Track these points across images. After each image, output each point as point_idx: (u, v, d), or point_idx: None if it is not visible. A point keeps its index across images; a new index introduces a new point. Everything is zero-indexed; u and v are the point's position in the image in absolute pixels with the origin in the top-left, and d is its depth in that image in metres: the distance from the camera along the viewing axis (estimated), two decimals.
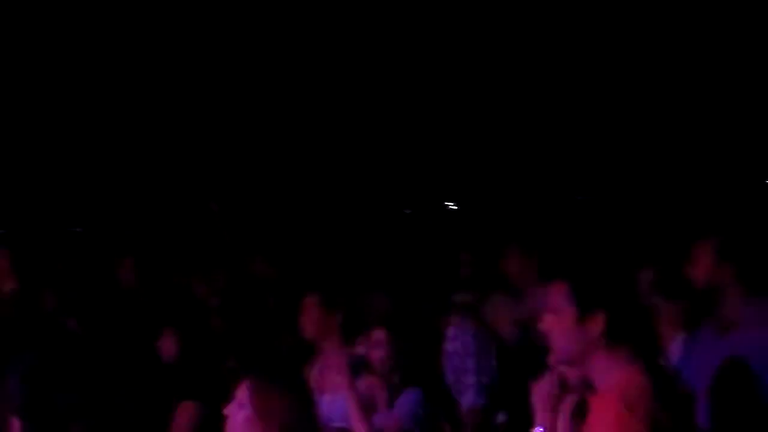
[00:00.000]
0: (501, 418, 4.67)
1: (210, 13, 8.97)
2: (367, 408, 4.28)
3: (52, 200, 11.97)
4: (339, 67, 10.11)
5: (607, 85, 9.58)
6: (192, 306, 6.34)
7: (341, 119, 11.52)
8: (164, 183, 12.34)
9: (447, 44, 9.36)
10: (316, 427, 3.12)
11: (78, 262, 7.60)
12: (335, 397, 4.28)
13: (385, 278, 5.63)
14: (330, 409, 4.18)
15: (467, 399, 4.58)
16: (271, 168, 12.65)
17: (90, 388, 5.00)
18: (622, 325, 2.66)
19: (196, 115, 11.40)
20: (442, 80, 10.11)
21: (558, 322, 2.71)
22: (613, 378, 2.62)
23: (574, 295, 2.69)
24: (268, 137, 12.08)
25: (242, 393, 3.05)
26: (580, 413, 2.81)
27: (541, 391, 2.98)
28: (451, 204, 13.69)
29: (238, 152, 12.07)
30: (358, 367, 4.22)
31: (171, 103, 11.15)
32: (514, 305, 5.24)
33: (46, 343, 5.35)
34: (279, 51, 9.84)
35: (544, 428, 2.95)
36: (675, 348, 4.11)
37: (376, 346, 4.22)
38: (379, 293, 5.39)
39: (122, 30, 9.07)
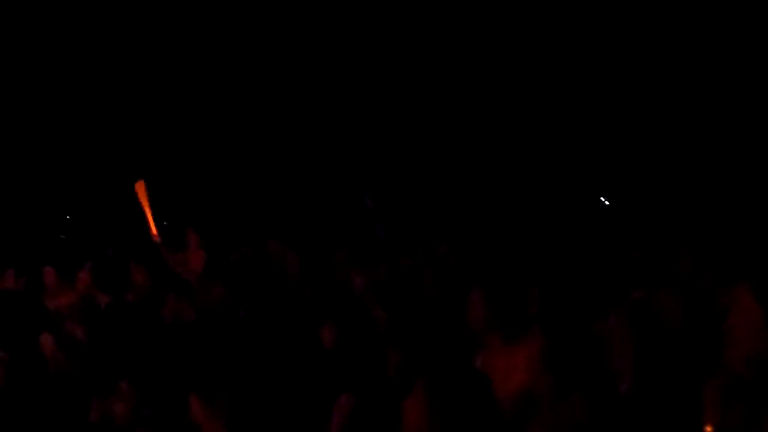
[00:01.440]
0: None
1: None
2: (530, 406, 4.25)
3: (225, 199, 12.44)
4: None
5: None
6: (351, 297, 6.45)
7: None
8: (324, 180, 12.62)
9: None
10: (496, 419, 3.12)
11: (247, 255, 7.86)
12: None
13: (547, 271, 5.58)
14: None
15: (625, 386, 4.51)
16: (422, 161, 12.73)
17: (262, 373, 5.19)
18: None
19: (353, 115, 11.60)
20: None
21: (743, 322, 2.63)
22: None
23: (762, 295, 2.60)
24: (424, 133, 12.17)
25: (418, 389, 3.08)
26: (757, 414, 2.74)
27: (714, 389, 2.91)
28: (604, 199, 13.42)
29: (397, 150, 12.21)
30: None
31: (326, 103, 11.39)
32: (684, 302, 5.12)
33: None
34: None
35: (716, 426, 2.90)
36: None
37: (528, 342, 4.19)
38: (535, 286, 5.34)
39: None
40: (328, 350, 5.31)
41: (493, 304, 4.52)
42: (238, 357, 5.48)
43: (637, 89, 10.44)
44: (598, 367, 4.16)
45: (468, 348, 4.93)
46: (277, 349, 5.64)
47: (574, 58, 10.24)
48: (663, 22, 9.70)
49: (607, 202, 13.34)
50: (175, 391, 4.26)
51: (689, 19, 9.50)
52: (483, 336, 4.62)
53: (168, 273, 6.95)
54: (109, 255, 8.50)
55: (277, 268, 6.90)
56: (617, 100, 10.60)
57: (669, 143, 10.95)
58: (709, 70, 9.74)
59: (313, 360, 5.35)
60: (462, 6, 10.29)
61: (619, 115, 10.78)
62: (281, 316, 5.96)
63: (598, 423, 3.98)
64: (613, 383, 4.47)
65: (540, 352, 4.04)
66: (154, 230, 7.49)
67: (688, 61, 9.82)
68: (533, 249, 7.65)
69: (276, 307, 6.11)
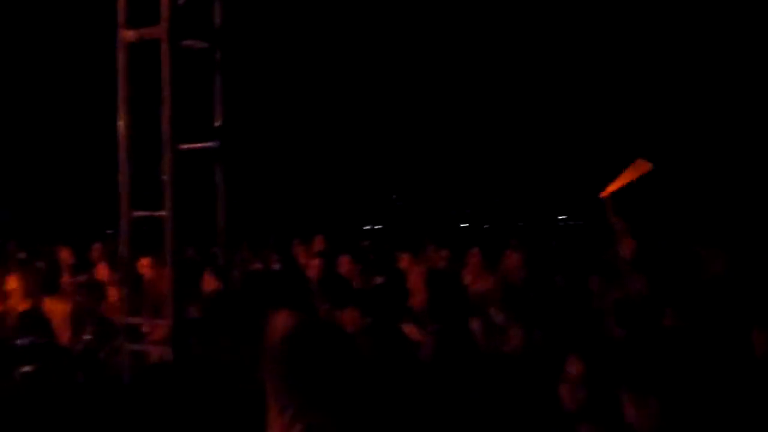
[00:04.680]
0: None
1: None
2: None
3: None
4: None
5: None
6: None
7: None
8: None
9: None
10: None
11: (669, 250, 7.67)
12: None
13: None
14: None
15: None
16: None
17: None
18: None
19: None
20: None
21: None
22: None
23: None
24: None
25: None
26: None
27: None
28: None
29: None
30: None
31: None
32: None
33: None
34: None
35: None
36: None
37: None
38: None
39: None
40: (759, 357, 5.03)
41: None
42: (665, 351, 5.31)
43: None
44: None
45: None
46: (705, 352, 5.41)
47: None
48: None
49: None
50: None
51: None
52: None
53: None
54: (513, 243, 8.69)
55: (701, 266, 6.63)
56: None
57: None
58: None
59: (742, 366, 5.08)
60: None
61: None
62: (707, 317, 5.70)
63: None
64: None
65: None
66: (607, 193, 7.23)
67: None
68: None
69: (700, 307, 5.86)
